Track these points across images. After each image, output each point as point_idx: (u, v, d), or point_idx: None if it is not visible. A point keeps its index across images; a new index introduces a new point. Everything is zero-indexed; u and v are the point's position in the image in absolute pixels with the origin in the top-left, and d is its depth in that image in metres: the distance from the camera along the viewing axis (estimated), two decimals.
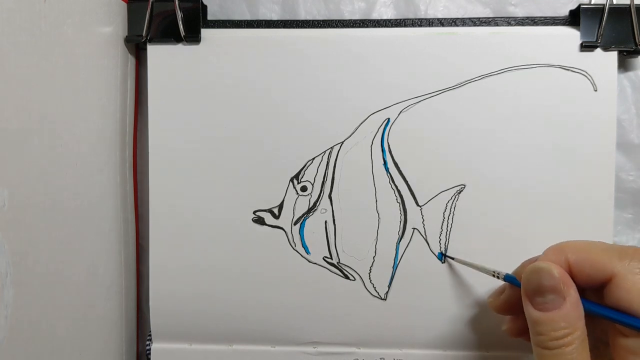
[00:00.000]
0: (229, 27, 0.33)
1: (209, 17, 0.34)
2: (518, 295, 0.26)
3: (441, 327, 0.33)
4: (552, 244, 0.32)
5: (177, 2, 0.32)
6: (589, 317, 0.24)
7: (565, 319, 0.23)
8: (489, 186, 0.32)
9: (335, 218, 0.33)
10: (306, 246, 0.33)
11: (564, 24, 0.32)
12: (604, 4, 0.31)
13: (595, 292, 0.24)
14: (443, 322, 0.33)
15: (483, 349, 0.33)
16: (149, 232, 0.33)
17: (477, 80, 0.32)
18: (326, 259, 0.33)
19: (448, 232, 0.32)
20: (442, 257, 0.32)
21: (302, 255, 0.33)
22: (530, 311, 0.24)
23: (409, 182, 0.32)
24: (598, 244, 0.25)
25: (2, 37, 0.23)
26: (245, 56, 0.32)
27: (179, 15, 0.32)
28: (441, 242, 0.32)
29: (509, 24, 0.32)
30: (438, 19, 0.32)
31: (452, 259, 0.32)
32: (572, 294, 0.23)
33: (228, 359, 0.34)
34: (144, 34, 0.32)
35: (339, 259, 0.33)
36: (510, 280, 0.27)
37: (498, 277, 0.28)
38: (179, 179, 0.33)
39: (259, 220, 0.33)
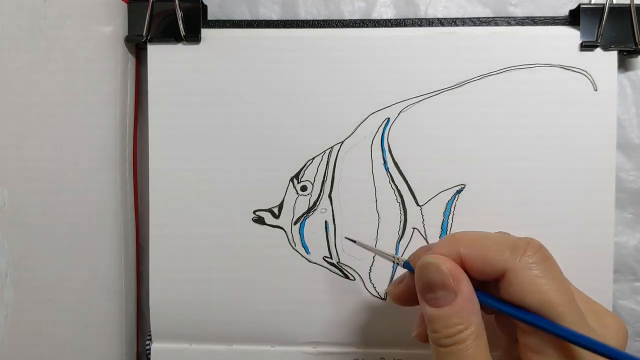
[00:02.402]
0: (229, 27, 0.33)
1: (209, 17, 0.34)
2: None
3: None
4: (552, 244, 0.32)
5: (177, 2, 0.32)
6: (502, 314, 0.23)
7: (457, 315, 0.21)
8: (489, 186, 0.32)
9: (335, 218, 0.33)
10: (306, 246, 0.33)
11: (564, 24, 0.32)
12: (604, 4, 0.31)
13: (496, 284, 0.23)
14: None
15: None
16: (149, 232, 0.33)
17: (477, 80, 0.32)
18: (326, 258, 0.33)
19: (448, 232, 0.32)
20: (347, 239, 0.31)
21: (302, 255, 0.33)
22: (423, 308, 0.23)
23: (409, 182, 0.32)
24: (492, 237, 0.23)
25: (2, 37, 0.23)
26: (246, 56, 0.32)
27: (179, 15, 0.32)
28: None
29: (509, 24, 0.32)
30: (438, 19, 0.32)
31: (354, 241, 0.30)
32: (464, 289, 0.22)
33: (228, 359, 0.34)
34: (144, 34, 0.32)
35: (339, 259, 0.33)
36: (409, 267, 0.25)
37: (398, 264, 0.26)
38: (179, 179, 0.33)
39: (259, 220, 0.33)
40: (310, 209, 0.33)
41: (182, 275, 0.33)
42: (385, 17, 0.34)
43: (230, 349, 0.34)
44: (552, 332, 0.20)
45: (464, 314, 0.22)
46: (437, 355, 0.22)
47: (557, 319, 0.20)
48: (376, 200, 0.32)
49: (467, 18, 0.32)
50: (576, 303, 0.21)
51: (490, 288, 0.23)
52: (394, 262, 0.27)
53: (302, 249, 0.33)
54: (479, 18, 0.32)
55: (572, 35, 0.31)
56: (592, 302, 0.23)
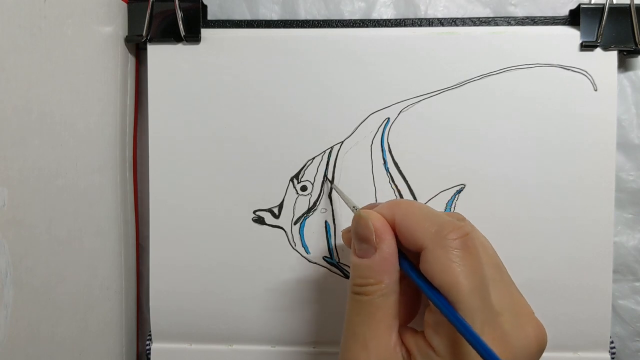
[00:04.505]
0: (229, 27, 0.33)
1: (209, 17, 0.34)
2: None
3: None
4: (551, 244, 0.32)
5: (177, 2, 0.32)
6: None
7: (371, 270, 0.23)
8: (489, 186, 0.32)
9: (335, 218, 0.33)
10: (306, 246, 0.33)
11: (564, 24, 0.32)
12: (604, 4, 0.31)
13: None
14: None
15: None
16: (149, 232, 0.33)
17: (477, 80, 0.32)
18: (326, 258, 0.33)
19: None
20: (325, 179, 0.32)
21: (302, 255, 0.33)
22: (351, 254, 0.24)
23: (409, 182, 0.32)
24: (425, 212, 0.23)
25: (2, 37, 0.23)
26: (245, 56, 0.32)
27: (179, 15, 0.32)
28: None
29: (509, 24, 0.32)
30: (438, 19, 0.32)
31: (331, 182, 0.32)
32: (384, 248, 0.23)
33: (228, 359, 0.34)
34: (144, 34, 0.32)
35: (339, 259, 0.33)
36: None
37: (354, 212, 0.27)
38: (179, 179, 0.33)
39: (259, 220, 0.33)
40: (310, 209, 0.33)
41: (182, 276, 0.33)
42: (385, 17, 0.34)
43: (230, 349, 0.34)
44: (443, 312, 0.20)
45: (377, 270, 0.23)
46: (348, 299, 0.24)
47: (455, 303, 0.20)
48: (376, 200, 0.32)
49: (467, 18, 0.32)
50: (486, 297, 0.21)
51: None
52: (352, 210, 0.28)
53: (302, 249, 0.33)
54: (479, 18, 0.32)
55: (572, 35, 0.31)
56: (523, 305, 0.23)
